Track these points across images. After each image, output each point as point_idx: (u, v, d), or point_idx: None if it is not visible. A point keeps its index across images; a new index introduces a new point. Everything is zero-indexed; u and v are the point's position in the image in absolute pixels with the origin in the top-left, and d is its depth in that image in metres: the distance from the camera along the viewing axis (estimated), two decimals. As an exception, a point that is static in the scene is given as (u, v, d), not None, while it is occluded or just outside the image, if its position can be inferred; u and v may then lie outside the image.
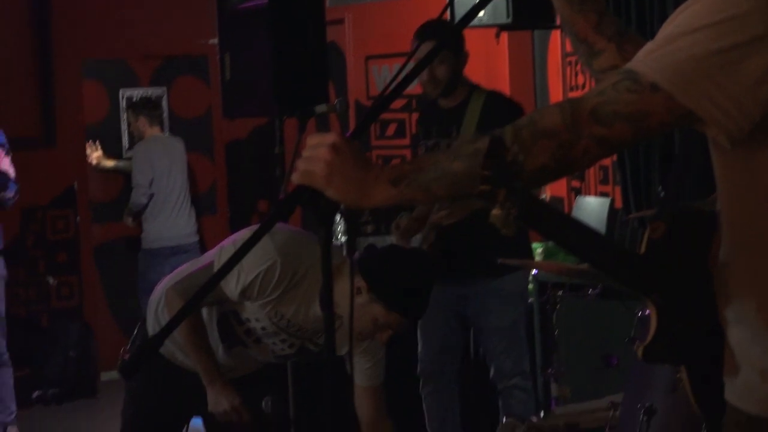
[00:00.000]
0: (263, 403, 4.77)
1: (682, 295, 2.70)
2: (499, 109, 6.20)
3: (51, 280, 9.85)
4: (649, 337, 2.75)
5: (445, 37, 6.02)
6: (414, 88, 4.38)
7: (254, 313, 4.69)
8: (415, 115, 7.89)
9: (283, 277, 4.49)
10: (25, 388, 8.88)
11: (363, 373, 4.76)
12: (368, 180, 2.49)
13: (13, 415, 8.14)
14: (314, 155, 2.49)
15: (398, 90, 2.67)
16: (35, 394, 9.55)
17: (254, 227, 4.58)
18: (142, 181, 9.59)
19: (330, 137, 2.48)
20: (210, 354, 4.78)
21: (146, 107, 9.97)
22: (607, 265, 2.75)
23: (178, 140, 10.15)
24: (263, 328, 4.72)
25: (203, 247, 9.72)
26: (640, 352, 2.72)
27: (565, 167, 2.46)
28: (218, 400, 4.71)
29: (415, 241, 6.21)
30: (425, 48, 5.91)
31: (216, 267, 4.50)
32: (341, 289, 4.05)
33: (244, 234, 4.70)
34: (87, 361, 9.90)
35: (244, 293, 4.53)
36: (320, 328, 4.42)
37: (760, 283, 2.48)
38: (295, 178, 2.53)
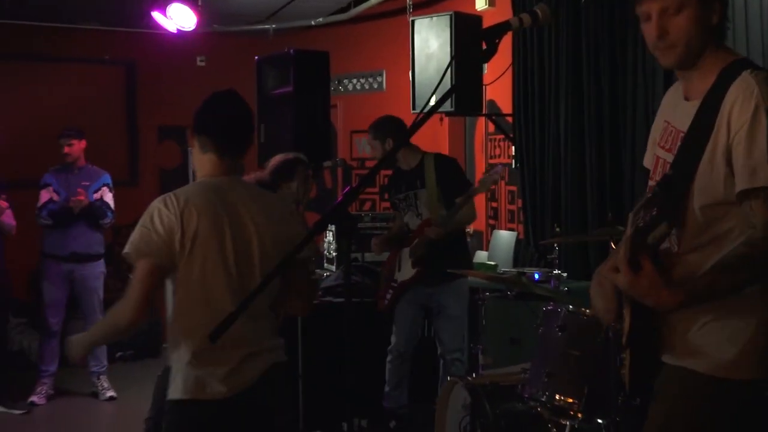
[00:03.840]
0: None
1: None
2: (446, 164, 6.23)
3: (132, 277, 9.76)
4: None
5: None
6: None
7: None
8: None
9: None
10: (112, 350, 8.83)
11: None
12: (666, 302, 2.52)
13: (105, 367, 8.12)
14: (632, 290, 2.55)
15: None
16: (118, 354, 9.51)
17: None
18: None
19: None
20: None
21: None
22: None
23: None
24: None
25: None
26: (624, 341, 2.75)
27: None
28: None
29: (404, 253, 6.24)
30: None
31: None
32: None
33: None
34: (153, 334, 9.86)
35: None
36: None
37: None
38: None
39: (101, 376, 8.07)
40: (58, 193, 7.91)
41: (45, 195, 7.88)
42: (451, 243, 6.11)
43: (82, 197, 7.73)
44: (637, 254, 2.48)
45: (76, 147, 7.95)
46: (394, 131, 6.22)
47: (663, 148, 2.84)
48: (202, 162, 3.55)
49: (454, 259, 6.09)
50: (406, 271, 6.25)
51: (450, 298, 6.19)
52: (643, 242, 2.49)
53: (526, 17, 2.86)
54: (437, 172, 6.14)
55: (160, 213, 3.35)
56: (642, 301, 2.54)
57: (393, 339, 6.41)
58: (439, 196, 6.07)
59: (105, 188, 8.02)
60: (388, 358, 6.43)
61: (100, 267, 8.02)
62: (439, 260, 6.03)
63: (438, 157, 6.34)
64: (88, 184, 7.95)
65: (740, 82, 2.59)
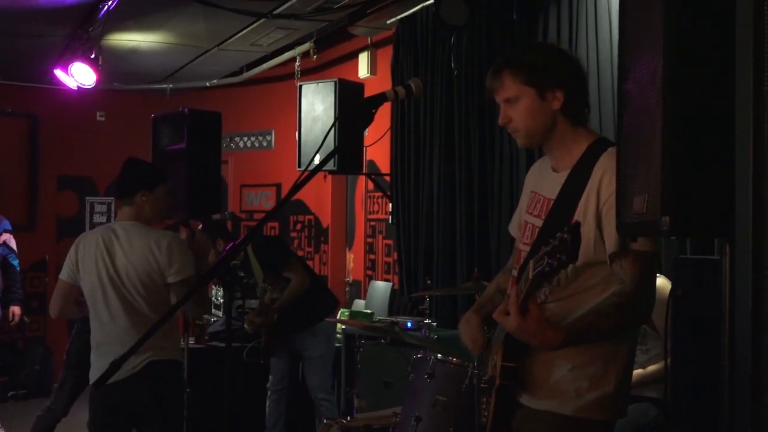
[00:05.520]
0: None
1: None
2: (261, 246, 6.31)
3: (26, 319, 9.46)
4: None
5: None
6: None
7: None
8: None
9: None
10: (4, 389, 8.51)
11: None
12: (550, 342, 2.48)
13: (-5, 407, 7.84)
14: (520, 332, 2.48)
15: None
16: (10, 393, 9.17)
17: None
18: None
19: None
20: None
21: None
22: None
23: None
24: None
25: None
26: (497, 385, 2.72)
27: None
28: None
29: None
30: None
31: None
32: None
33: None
34: (47, 373, 9.56)
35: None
36: None
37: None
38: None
39: (-8, 416, 7.77)
40: (-41, 237, 7.74)
41: None
42: (299, 303, 6.15)
43: None
44: (526, 299, 2.46)
45: (-23, 194, 7.81)
46: (220, 232, 6.36)
47: (531, 214, 2.87)
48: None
49: (303, 314, 6.19)
50: None
51: (308, 342, 6.24)
52: (540, 287, 2.49)
53: (401, 90, 2.86)
54: (256, 256, 6.24)
55: (72, 247, 4.35)
56: (528, 342, 2.52)
57: (270, 378, 6.43)
58: (263, 276, 6.19)
59: (8, 234, 7.94)
60: (267, 394, 6.41)
61: (-4, 310, 7.78)
62: (290, 318, 6.15)
63: (255, 245, 6.38)
64: (-13, 228, 7.83)
65: (608, 155, 2.63)
